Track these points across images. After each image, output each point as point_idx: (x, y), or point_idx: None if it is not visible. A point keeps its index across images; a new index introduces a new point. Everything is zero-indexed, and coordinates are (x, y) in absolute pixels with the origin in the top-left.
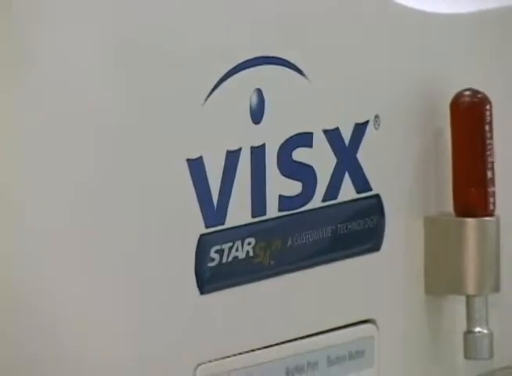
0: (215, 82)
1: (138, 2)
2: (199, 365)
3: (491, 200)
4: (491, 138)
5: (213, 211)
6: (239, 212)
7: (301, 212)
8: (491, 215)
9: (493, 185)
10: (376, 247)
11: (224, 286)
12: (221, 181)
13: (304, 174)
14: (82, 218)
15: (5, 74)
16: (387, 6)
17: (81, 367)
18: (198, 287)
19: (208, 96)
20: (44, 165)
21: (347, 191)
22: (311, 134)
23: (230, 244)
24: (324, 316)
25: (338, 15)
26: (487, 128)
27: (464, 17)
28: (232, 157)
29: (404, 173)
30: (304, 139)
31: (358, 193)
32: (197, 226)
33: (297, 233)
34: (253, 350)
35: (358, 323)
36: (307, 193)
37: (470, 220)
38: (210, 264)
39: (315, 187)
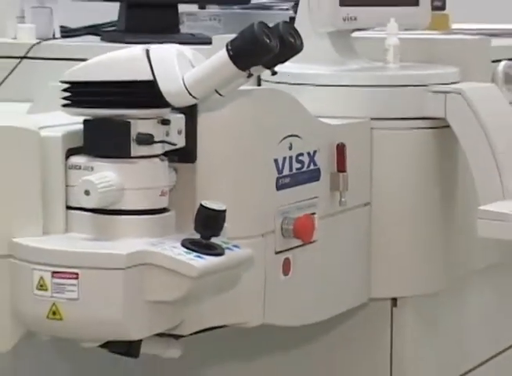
0: (281, 139)
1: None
2: (277, 209)
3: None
4: (345, 157)
5: (280, 171)
6: (286, 171)
7: (301, 172)
8: (345, 171)
9: (346, 170)
10: (318, 179)
11: (284, 188)
12: (281, 165)
13: (299, 165)
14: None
15: None
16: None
17: None
18: (276, 187)
19: (280, 142)
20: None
21: (311, 166)
22: (302, 153)
23: (284, 179)
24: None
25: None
26: (346, 152)
27: (336, 127)
28: (284, 160)
29: (326, 164)
30: (299, 156)
31: (313, 166)
32: (276, 175)
33: (299, 174)
34: (289, 203)
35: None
36: (301, 166)
37: (342, 174)
38: (279, 184)
39: (303, 166)
